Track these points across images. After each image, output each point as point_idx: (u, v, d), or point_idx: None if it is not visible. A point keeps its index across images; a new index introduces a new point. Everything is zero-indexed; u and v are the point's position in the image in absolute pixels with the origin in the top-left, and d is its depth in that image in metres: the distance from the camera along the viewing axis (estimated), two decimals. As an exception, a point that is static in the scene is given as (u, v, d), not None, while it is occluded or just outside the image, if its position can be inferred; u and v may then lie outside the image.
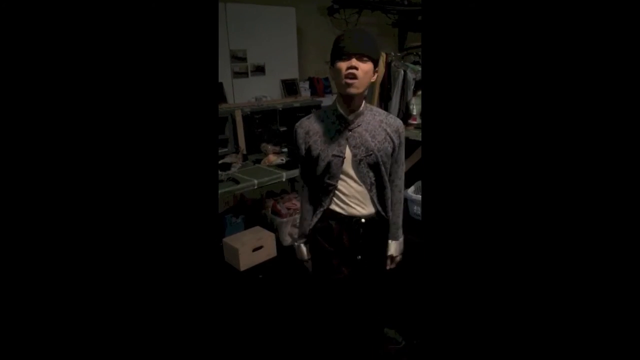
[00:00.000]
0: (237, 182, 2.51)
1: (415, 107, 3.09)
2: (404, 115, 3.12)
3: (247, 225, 2.88)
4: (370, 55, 1.14)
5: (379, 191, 1.32)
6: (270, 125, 3.56)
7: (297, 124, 1.33)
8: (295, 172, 2.65)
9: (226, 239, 2.58)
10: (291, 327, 1.91)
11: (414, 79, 3.06)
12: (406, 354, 1.72)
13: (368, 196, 1.31)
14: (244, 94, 3.55)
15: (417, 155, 3.01)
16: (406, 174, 1.41)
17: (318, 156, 1.26)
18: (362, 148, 1.24)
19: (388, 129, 1.27)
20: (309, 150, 1.29)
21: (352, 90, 1.16)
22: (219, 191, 2.35)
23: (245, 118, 3.31)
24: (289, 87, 3.86)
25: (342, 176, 1.28)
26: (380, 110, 1.33)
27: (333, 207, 1.33)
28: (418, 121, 3.06)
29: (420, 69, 3.09)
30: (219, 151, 3.08)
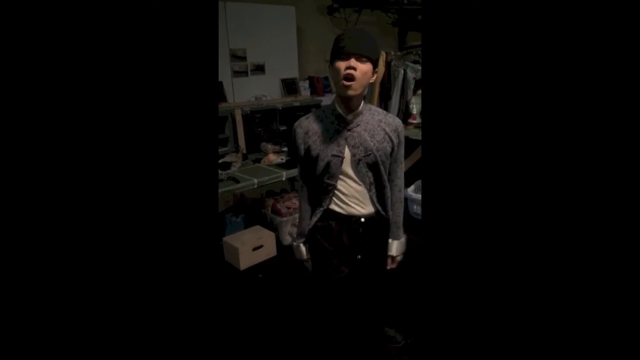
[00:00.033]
0: (237, 182, 2.51)
1: (415, 107, 3.09)
2: (404, 114, 3.12)
3: (247, 224, 2.88)
4: (369, 56, 1.14)
5: (379, 191, 1.32)
6: (270, 125, 3.56)
7: (296, 123, 1.33)
8: (295, 172, 2.65)
9: (226, 238, 2.58)
10: (291, 327, 1.91)
11: (414, 78, 3.05)
12: (406, 353, 1.73)
13: (367, 196, 1.31)
14: (244, 93, 3.55)
15: (416, 154, 3.01)
16: (406, 173, 1.41)
17: (317, 156, 1.26)
18: (361, 148, 1.24)
19: (387, 129, 1.27)
20: (308, 150, 1.29)
21: (350, 92, 1.16)
22: (219, 190, 2.35)
23: (245, 117, 3.31)
24: (289, 86, 3.86)
25: (341, 176, 1.28)
26: (379, 109, 1.33)
27: (332, 206, 1.33)
28: (418, 120, 3.06)
29: (420, 68, 3.08)
30: (219, 150, 3.08)
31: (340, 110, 1.24)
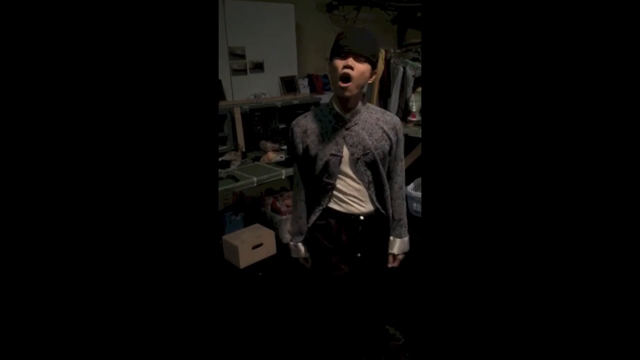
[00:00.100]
0: (237, 180, 2.51)
1: (415, 104, 3.09)
2: (404, 112, 3.12)
3: (247, 222, 2.88)
4: (368, 56, 1.13)
5: (378, 189, 1.32)
6: (269, 123, 3.55)
7: (294, 122, 1.33)
8: (295, 170, 2.65)
9: (226, 237, 2.58)
10: (291, 325, 1.91)
11: (413, 75, 3.05)
12: (406, 350, 1.73)
13: (367, 194, 1.30)
14: (243, 91, 3.54)
15: (416, 152, 3.01)
16: (405, 171, 1.41)
17: (316, 155, 1.26)
18: (359, 147, 1.24)
19: (385, 127, 1.27)
20: (306, 149, 1.28)
21: (346, 94, 1.16)
22: (218, 189, 2.34)
23: (244, 115, 3.31)
24: (288, 84, 3.86)
25: (340, 175, 1.28)
26: (376, 107, 1.33)
27: (332, 205, 1.32)
28: (417, 118, 3.06)
29: (419, 65, 3.08)
30: (218, 149, 3.07)
31: (338, 109, 1.24)
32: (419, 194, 2.84)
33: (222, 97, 3.37)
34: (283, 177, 2.69)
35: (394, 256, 1.42)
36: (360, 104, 1.25)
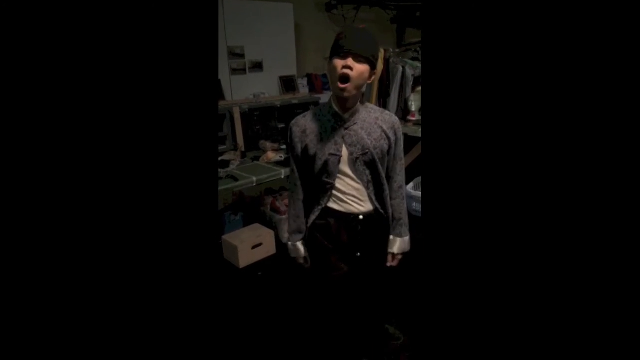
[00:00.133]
0: (236, 180, 2.51)
1: (414, 104, 3.09)
2: (403, 111, 3.12)
3: (246, 222, 2.88)
4: (368, 57, 1.13)
5: (377, 188, 1.32)
6: (269, 122, 3.55)
7: (293, 122, 1.32)
8: (294, 169, 2.64)
9: (225, 237, 2.58)
10: (291, 325, 1.91)
11: (412, 75, 3.05)
12: (406, 350, 1.73)
13: (366, 193, 1.30)
14: (242, 91, 3.54)
15: (416, 151, 3.01)
16: (405, 170, 1.40)
17: (315, 155, 1.26)
18: (358, 146, 1.24)
19: (384, 126, 1.27)
20: (305, 148, 1.28)
21: (345, 94, 1.16)
22: (218, 189, 2.34)
23: (244, 115, 3.31)
24: (287, 83, 3.85)
25: (339, 174, 1.28)
26: (375, 107, 1.33)
27: (331, 204, 1.32)
28: (417, 117, 3.06)
29: (418, 65, 3.08)
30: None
31: (337, 109, 1.24)
32: (418, 193, 2.84)
33: (222, 96, 3.37)
34: (282, 176, 2.68)
35: (393, 255, 1.42)
36: (359, 103, 1.25)
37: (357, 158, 1.25)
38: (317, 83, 4.13)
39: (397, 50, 3.36)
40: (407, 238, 1.42)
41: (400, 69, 3.05)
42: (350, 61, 1.11)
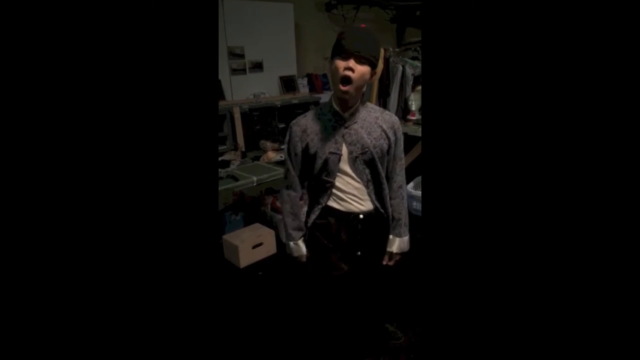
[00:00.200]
0: (236, 180, 2.51)
1: (414, 103, 3.09)
2: (403, 111, 3.12)
3: (247, 222, 2.88)
4: (370, 58, 1.13)
5: (376, 187, 1.32)
6: (269, 122, 3.55)
7: (294, 121, 1.33)
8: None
9: (226, 237, 2.58)
10: (292, 324, 1.91)
11: (412, 74, 3.05)
12: (406, 349, 1.73)
13: (366, 192, 1.30)
14: (242, 91, 3.54)
15: (416, 150, 3.01)
16: (405, 169, 1.41)
17: (315, 153, 1.27)
18: (358, 145, 1.24)
19: (384, 125, 1.27)
20: (306, 148, 1.29)
21: (346, 96, 1.17)
22: (218, 188, 2.34)
23: (244, 115, 3.31)
24: (287, 83, 3.85)
25: (339, 173, 1.28)
26: (375, 107, 1.33)
27: (331, 203, 1.32)
28: (417, 117, 3.06)
29: (418, 64, 3.08)
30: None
31: (337, 108, 1.25)
32: (418, 193, 2.84)
33: (222, 96, 3.37)
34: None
35: (391, 254, 1.42)
36: (359, 103, 1.26)
37: (356, 157, 1.25)
38: (317, 83, 4.13)
39: (397, 49, 3.36)
40: (406, 238, 1.42)
41: (400, 68, 3.05)
42: (352, 62, 1.12)
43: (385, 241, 1.41)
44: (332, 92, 1.26)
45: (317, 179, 1.31)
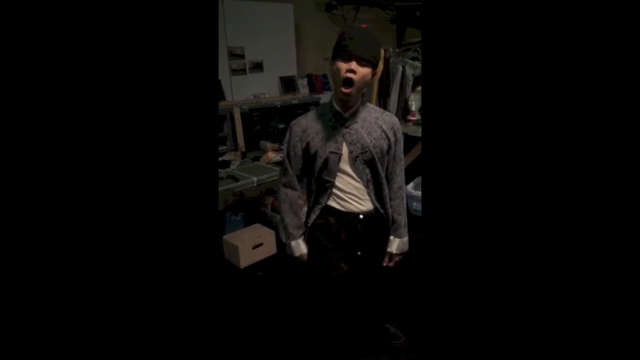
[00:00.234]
0: (236, 180, 2.51)
1: (414, 103, 3.09)
2: (403, 111, 3.12)
3: (247, 222, 2.88)
4: (371, 60, 1.14)
5: (376, 187, 1.32)
6: (269, 123, 3.55)
7: (294, 121, 1.33)
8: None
9: (226, 237, 2.58)
10: (292, 324, 1.91)
11: (412, 74, 3.05)
12: (407, 349, 1.73)
13: (365, 192, 1.30)
14: (242, 91, 3.54)
15: (416, 151, 3.01)
16: (405, 170, 1.41)
17: (316, 153, 1.27)
18: (358, 145, 1.24)
19: (384, 126, 1.28)
20: (306, 147, 1.29)
21: (347, 98, 1.19)
22: (218, 189, 2.34)
23: (244, 115, 3.31)
24: (288, 84, 3.85)
25: (339, 173, 1.28)
26: (375, 107, 1.34)
27: (331, 203, 1.32)
28: (417, 117, 3.06)
29: (418, 64, 3.08)
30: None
31: (338, 108, 1.25)
32: (418, 193, 2.84)
33: (222, 97, 3.37)
34: (283, 176, 2.68)
35: (391, 255, 1.42)
36: (359, 103, 1.26)
37: (356, 156, 1.25)
38: (317, 83, 4.13)
39: (397, 50, 3.36)
40: (405, 239, 1.42)
41: (400, 68, 3.05)
42: (354, 64, 1.12)
43: (385, 241, 1.41)
44: (332, 93, 1.26)
45: (317, 178, 1.31)
